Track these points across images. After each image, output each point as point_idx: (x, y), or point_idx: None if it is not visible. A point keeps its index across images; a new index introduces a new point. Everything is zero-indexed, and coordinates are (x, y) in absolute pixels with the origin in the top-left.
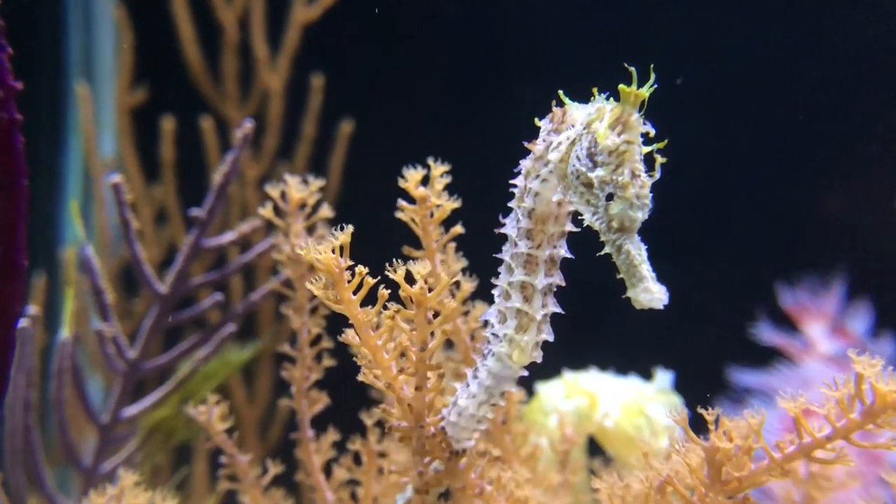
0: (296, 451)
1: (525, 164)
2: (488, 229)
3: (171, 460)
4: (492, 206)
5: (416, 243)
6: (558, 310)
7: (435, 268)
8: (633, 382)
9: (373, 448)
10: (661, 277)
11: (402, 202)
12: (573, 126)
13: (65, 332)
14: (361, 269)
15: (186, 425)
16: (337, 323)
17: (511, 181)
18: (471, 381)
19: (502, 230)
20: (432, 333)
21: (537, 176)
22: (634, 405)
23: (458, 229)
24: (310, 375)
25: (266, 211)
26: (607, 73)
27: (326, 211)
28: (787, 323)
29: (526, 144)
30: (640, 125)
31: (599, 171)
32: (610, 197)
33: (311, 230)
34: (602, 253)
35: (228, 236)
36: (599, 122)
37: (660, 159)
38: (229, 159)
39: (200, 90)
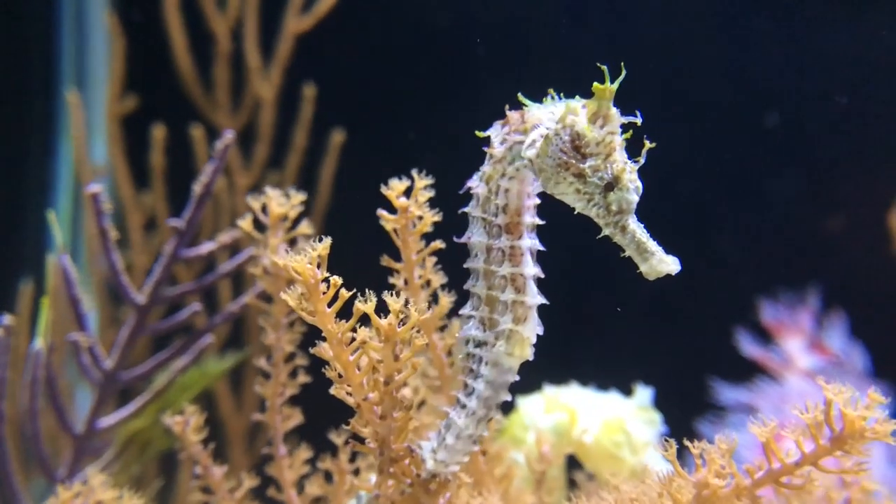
0: (268, 468)
1: (484, 169)
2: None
3: (157, 470)
4: None
5: (399, 255)
6: (544, 300)
7: (413, 281)
8: (613, 398)
9: (343, 467)
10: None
11: (381, 212)
12: (539, 125)
13: (38, 342)
14: (336, 280)
15: (164, 435)
16: (313, 339)
17: (466, 188)
18: (465, 399)
19: (467, 239)
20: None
21: (503, 174)
22: (614, 421)
23: (438, 244)
24: (284, 391)
25: (245, 223)
26: (585, 78)
27: (306, 227)
28: (767, 336)
29: (486, 149)
30: (618, 117)
31: (591, 161)
32: (610, 186)
33: (291, 244)
34: (601, 236)
35: (207, 246)
36: (574, 117)
37: (648, 144)
38: (209, 170)
39: (192, 99)
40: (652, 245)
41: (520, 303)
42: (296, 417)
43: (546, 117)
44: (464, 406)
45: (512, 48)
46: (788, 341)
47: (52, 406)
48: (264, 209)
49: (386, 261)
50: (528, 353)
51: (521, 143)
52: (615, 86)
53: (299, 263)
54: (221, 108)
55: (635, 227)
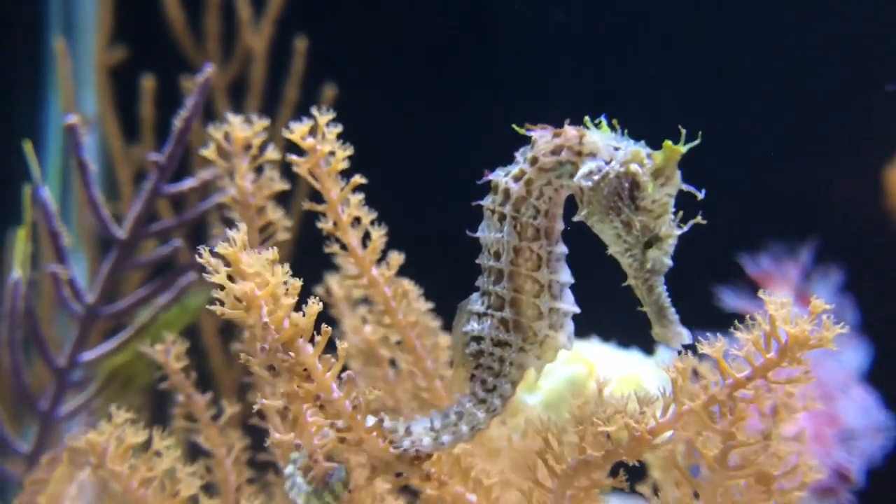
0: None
1: (523, 168)
2: (470, 193)
3: (141, 404)
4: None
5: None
6: (578, 309)
7: (341, 220)
8: (633, 356)
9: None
10: None
11: (291, 156)
12: (596, 156)
13: (17, 272)
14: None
15: (146, 370)
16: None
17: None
18: (484, 394)
19: (481, 234)
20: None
21: (549, 183)
22: (631, 378)
23: (359, 179)
24: None
25: (209, 152)
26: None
27: (273, 153)
28: (752, 291)
29: (533, 155)
30: (679, 181)
31: (643, 217)
32: (649, 244)
33: (258, 171)
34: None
35: (188, 182)
36: (638, 167)
37: (679, 214)
38: (190, 104)
39: (182, 50)
40: (672, 313)
41: (556, 310)
42: None
43: (605, 150)
44: (483, 401)
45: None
46: (775, 292)
47: (32, 338)
48: (227, 137)
49: (308, 205)
50: (556, 359)
51: (573, 163)
52: (685, 148)
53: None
54: (212, 60)
55: (662, 289)
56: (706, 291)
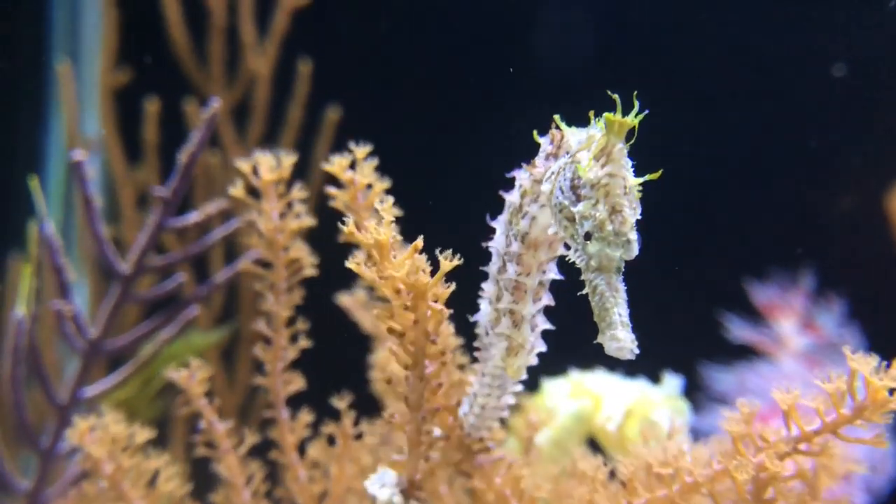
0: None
1: (523, 181)
2: (475, 219)
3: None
4: (482, 198)
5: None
6: (549, 326)
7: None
8: (639, 386)
9: (347, 431)
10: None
11: (330, 189)
12: (567, 153)
13: (21, 310)
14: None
15: (149, 405)
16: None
17: (501, 193)
18: (480, 375)
19: (488, 245)
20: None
21: (535, 199)
22: (639, 410)
23: (395, 210)
24: (284, 355)
25: (237, 191)
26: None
27: (300, 191)
28: (756, 320)
29: (525, 166)
30: (624, 157)
31: (580, 206)
32: (588, 236)
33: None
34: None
35: (193, 216)
36: (587, 152)
37: (638, 194)
38: (196, 138)
39: (186, 73)
40: (614, 317)
41: (513, 339)
42: (297, 382)
43: (574, 146)
44: (482, 378)
45: (519, 21)
46: (781, 322)
47: (35, 375)
48: (255, 171)
49: (348, 229)
50: (523, 376)
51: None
52: (630, 119)
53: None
54: (216, 83)
55: (605, 290)
56: (710, 318)
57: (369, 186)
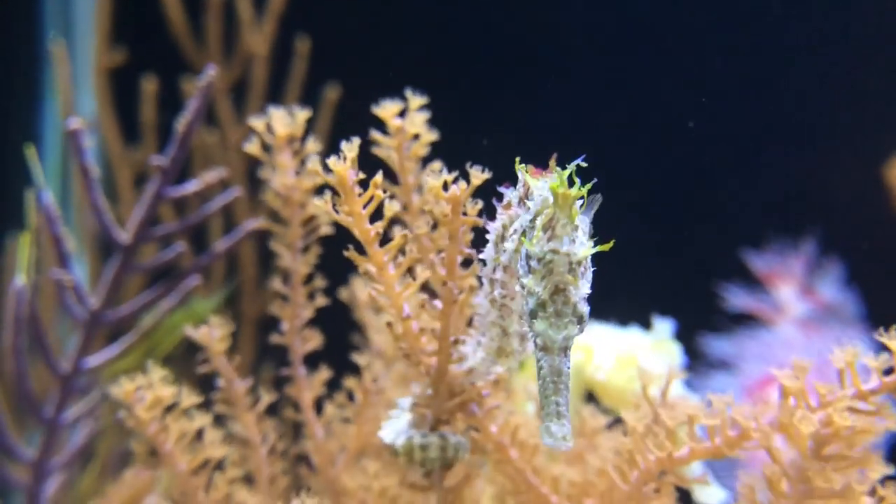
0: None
1: (503, 217)
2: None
3: None
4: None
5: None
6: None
7: (411, 205)
8: (630, 334)
9: (367, 385)
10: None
11: (375, 134)
12: (529, 208)
13: (21, 279)
14: (377, 180)
15: None
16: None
17: (486, 223)
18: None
19: (480, 255)
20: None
21: (512, 237)
22: (628, 357)
23: (438, 165)
24: (302, 313)
25: (252, 146)
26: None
27: (314, 144)
28: (755, 288)
29: (498, 208)
30: (569, 231)
31: (527, 280)
32: (534, 314)
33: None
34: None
35: (192, 185)
36: (540, 218)
37: (589, 269)
38: (192, 107)
39: (182, 51)
40: (551, 407)
41: (501, 347)
42: (315, 340)
43: (537, 199)
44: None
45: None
46: (780, 289)
47: (37, 344)
48: (269, 128)
49: (377, 182)
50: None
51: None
52: (576, 191)
53: (337, 165)
54: (213, 61)
55: (548, 375)
56: (709, 290)
57: (416, 137)
